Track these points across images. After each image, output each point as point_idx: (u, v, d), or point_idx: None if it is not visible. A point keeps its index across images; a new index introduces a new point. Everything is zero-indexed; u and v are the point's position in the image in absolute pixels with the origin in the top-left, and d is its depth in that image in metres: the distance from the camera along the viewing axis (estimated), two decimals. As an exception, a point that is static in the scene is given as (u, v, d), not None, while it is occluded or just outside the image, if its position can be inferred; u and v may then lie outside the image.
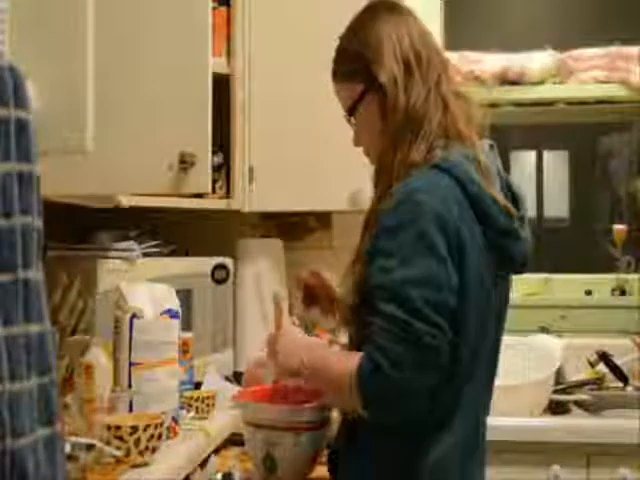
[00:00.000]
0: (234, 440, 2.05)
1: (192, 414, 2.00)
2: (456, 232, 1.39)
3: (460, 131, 1.49)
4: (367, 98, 1.56)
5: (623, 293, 3.12)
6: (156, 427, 1.60)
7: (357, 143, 1.64)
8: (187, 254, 2.52)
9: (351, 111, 1.59)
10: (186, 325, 2.16)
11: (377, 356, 1.31)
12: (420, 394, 1.34)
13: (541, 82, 3.07)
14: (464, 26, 3.61)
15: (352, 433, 1.52)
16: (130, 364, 1.78)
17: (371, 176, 1.58)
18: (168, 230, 2.56)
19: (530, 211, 1.64)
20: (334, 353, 1.60)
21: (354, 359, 1.35)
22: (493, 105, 2.89)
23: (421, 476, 1.43)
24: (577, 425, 2.31)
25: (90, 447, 1.55)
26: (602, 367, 2.72)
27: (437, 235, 1.36)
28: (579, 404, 2.54)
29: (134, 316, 1.79)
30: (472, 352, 1.43)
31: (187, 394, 2.05)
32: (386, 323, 1.32)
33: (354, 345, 1.48)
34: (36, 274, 0.97)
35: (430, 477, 1.43)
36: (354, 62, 1.58)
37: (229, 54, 2.57)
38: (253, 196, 2.59)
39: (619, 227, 3.24)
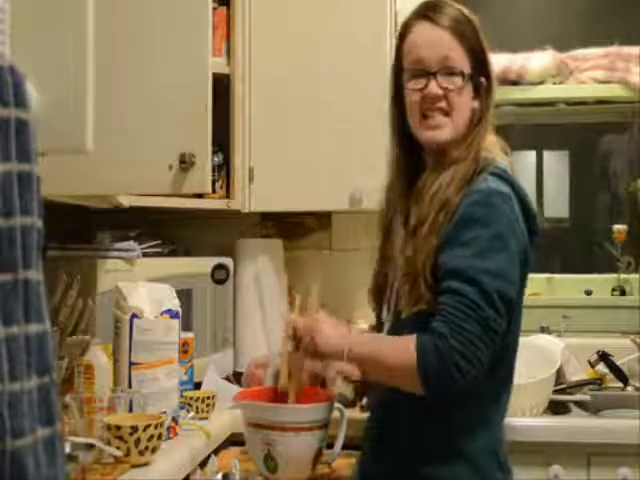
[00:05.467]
0: (234, 440, 2.05)
1: (192, 414, 2.00)
2: (522, 236, 1.55)
3: (500, 140, 1.66)
4: (474, 87, 1.63)
5: (623, 293, 3.12)
6: (156, 427, 1.60)
7: (441, 99, 1.61)
8: (187, 254, 2.52)
9: (461, 78, 1.60)
10: (186, 325, 2.16)
11: (442, 327, 1.44)
12: (476, 368, 1.45)
13: (541, 82, 3.06)
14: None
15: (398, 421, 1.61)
16: (130, 364, 1.78)
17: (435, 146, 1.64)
18: (168, 230, 2.56)
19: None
20: (383, 341, 1.61)
21: (409, 344, 1.47)
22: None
23: (473, 457, 1.56)
24: (577, 425, 2.31)
25: (90, 447, 1.55)
26: (602, 367, 2.72)
27: (510, 237, 1.51)
28: (579, 404, 2.54)
29: (134, 316, 1.79)
30: (516, 342, 1.62)
31: (187, 394, 2.04)
32: (458, 302, 1.46)
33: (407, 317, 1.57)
34: (36, 274, 0.97)
35: (481, 458, 1.56)
36: (480, 50, 1.63)
37: (229, 54, 2.56)
38: (253, 196, 2.59)
39: (619, 227, 3.24)
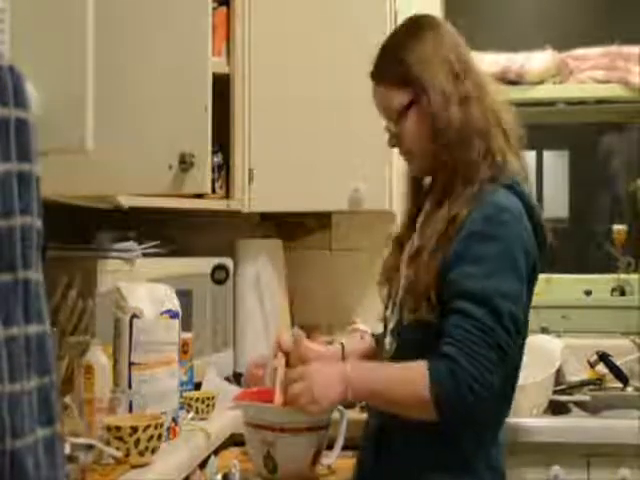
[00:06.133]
0: (234, 440, 2.04)
1: (192, 414, 2.00)
2: (533, 252, 1.55)
3: (512, 146, 1.63)
4: (417, 107, 1.62)
5: (623, 293, 3.12)
6: (156, 427, 1.60)
7: (396, 144, 1.68)
8: (187, 254, 2.52)
9: (399, 116, 1.63)
10: (186, 325, 2.16)
11: (456, 352, 1.44)
12: (489, 391, 1.45)
13: (541, 82, 3.06)
14: (464, 26, 3.60)
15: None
16: (130, 364, 1.78)
17: (411, 172, 1.73)
18: (168, 230, 2.56)
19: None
20: (387, 373, 1.56)
21: (418, 373, 1.46)
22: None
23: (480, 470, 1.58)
24: (577, 425, 2.31)
25: (90, 447, 1.54)
26: (602, 367, 2.72)
27: (520, 255, 1.51)
28: (579, 404, 2.54)
29: (134, 316, 1.79)
30: (520, 360, 1.64)
31: (187, 394, 2.04)
32: (472, 326, 1.45)
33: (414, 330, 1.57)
34: (36, 274, 0.97)
35: (476, 463, 1.58)
36: (405, 70, 1.62)
37: (229, 54, 2.56)
38: (253, 196, 2.59)
39: (619, 227, 3.24)
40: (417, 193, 1.75)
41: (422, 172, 1.70)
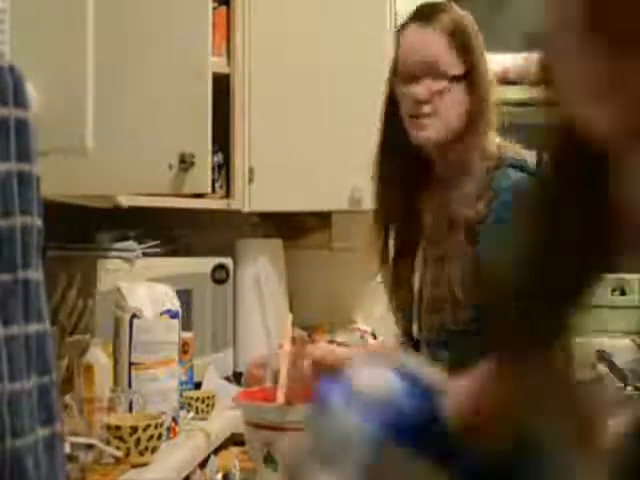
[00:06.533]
0: (234, 440, 2.04)
1: (192, 414, 2.00)
2: None
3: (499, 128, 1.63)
4: (464, 83, 1.58)
5: (623, 293, 3.12)
6: (156, 427, 1.60)
7: (424, 101, 1.59)
8: (187, 254, 2.52)
9: (442, 76, 1.58)
10: (186, 325, 2.16)
11: None
12: None
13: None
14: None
15: None
16: (130, 364, 1.78)
17: (434, 143, 1.60)
18: (168, 230, 2.56)
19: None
20: None
21: None
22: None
23: None
24: (577, 425, 2.31)
25: (90, 447, 1.55)
26: (602, 367, 2.72)
27: None
28: (579, 404, 2.54)
29: (134, 316, 1.79)
30: None
31: (187, 394, 2.04)
32: None
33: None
34: (36, 274, 0.97)
35: None
36: (473, 45, 1.61)
37: (229, 54, 2.56)
38: (253, 196, 2.59)
39: (619, 227, 3.24)
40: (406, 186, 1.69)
41: (436, 141, 1.60)
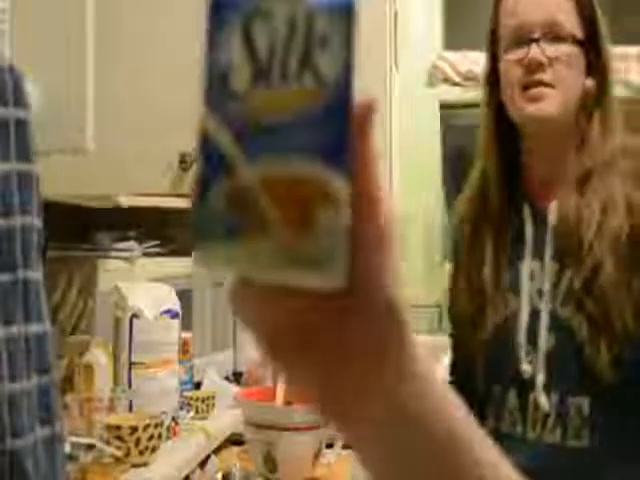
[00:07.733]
0: (234, 440, 2.05)
1: (192, 414, 2.00)
2: None
3: None
4: (582, 51, 1.30)
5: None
6: (156, 427, 1.60)
7: (542, 68, 1.28)
8: (187, 254, 2.52)
9: (564, 39, 1.28)
10: (186, 325, 2.16)
11: None
12: None
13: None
14: (464, 26, 3.61)
15: None
16: (130, 364, 1.78)
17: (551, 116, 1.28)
18: (168, 230, 2.56)
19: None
20: None
21: None
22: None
23: None
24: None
25: (90, 447, 1.55)
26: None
27: None
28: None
29: (134, 316, 1.79)
30: None
31: (187, 394, 2.04)
32: None
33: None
34: (36, 274, 0.97)
35: None
36: (595, 12, 1.31)
37: (229, 54, 2.56)
38: (253, 196, 2.59)
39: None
40: (505, 143, 1.35)
41: (558, 111, 1.27)
